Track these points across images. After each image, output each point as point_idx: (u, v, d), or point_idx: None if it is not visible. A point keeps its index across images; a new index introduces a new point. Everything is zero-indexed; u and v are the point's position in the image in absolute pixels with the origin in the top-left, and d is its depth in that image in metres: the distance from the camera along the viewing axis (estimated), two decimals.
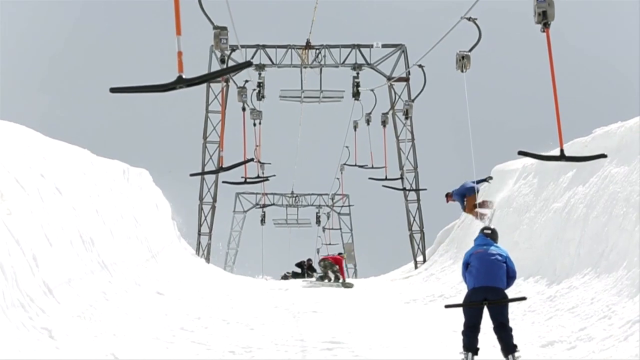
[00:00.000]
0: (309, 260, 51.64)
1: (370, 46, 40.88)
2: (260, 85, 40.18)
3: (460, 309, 14.44)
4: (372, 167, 45.83)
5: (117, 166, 24.99)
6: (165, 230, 31.21)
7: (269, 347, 15.57)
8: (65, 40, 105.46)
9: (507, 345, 13.83)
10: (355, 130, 45.19)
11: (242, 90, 36.35)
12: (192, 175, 22.85)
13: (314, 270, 51.19)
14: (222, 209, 49.62)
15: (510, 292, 14.60)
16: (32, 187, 15.70)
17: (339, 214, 68.62)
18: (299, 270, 49.99)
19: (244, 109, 35.58)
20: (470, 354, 13.98)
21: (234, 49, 36.37)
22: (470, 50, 24.84)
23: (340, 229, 69.07)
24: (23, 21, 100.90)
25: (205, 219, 41.28)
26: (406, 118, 41.10)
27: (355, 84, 40.73)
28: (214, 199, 41.49)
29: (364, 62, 40.71)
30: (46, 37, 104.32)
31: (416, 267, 37.52)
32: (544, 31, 15.63)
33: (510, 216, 25.80)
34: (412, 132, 41.28)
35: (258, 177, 32.73)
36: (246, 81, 38.81)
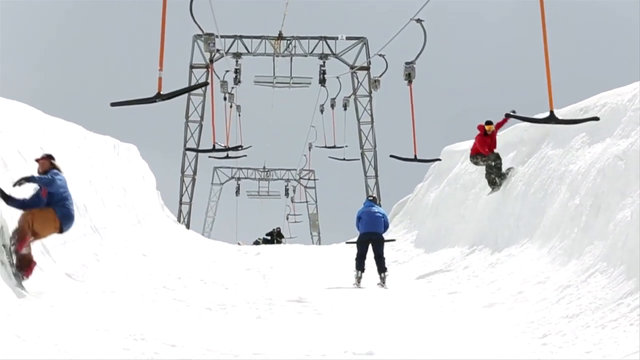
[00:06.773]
0: (278, 228, 52.10)
1: (335, 38, 41.06)
2: (237, 71, 40.26)
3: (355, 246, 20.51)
4: (334, 147, 46.20)
5: (108, 141, 24.92)
6: (150, 199, 31.11)
7: (242, 304, 15.62)
8: (58, 26, 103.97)
9: (381, 267, 19.93)
10: (322, 112, 45.47)
11: (209, 38, 32.99)
12: (113, 104, 16.23)
13: (282, 237, 51.61)
14: (202, 181, 49.59)
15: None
16: (33, 159, 15.63)
17: (305, 187, 68.71)
18: (268, 237, 50.35)
19: (211, 61, 34.51)
20: (359, 272, 19.92)
21: (210, 38, 34.99)
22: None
23: (307, 201, 69.20)
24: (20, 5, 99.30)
25: (187, 190, 41.30)
26: (345, 109, 42.22)
27: (322, 71, 40.99)
28: (194, 172, 41.50)
29: (329, 52, 40.84)
30: (42, 19, 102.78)
31: None
32: (408, 85, 19.96)
33: (458, 192, 25.87)
34: (371, 116, 41.53)
35: (226, 147, 32.10)
36: (227, 71, 38.77)
